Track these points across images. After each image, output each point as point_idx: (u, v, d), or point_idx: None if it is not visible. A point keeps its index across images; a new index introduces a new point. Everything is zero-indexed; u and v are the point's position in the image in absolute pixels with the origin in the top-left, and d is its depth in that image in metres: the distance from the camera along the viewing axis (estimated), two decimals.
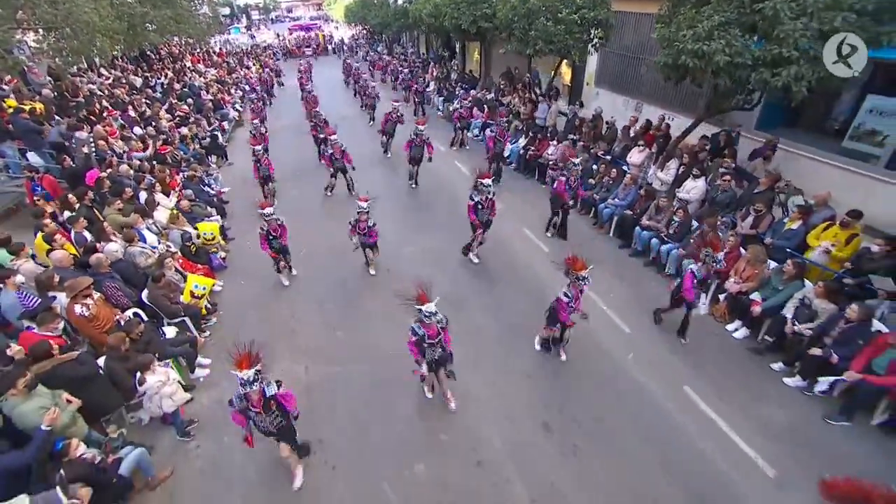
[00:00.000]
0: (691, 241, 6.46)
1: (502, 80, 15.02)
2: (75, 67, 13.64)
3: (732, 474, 4.24)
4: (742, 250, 6.18)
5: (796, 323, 5.25)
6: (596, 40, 10.50)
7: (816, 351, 4.79)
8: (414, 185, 10.36)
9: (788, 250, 6.04)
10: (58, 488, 3.20)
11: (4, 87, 10.19)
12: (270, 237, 6.45)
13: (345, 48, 34.40)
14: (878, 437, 4.54)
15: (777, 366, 5.38)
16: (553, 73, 12.42)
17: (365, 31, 37.32)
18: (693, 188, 7.12)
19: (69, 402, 3.86)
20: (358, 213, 6.43)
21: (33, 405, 3.58)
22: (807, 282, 5.51)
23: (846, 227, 5.52)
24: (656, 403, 4.99)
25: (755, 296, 5.74)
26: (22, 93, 10.53)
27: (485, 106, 13.52)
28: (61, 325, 4.50)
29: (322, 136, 10.78)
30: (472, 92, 15.12)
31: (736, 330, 5.97)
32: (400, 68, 20.51)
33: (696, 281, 5.22)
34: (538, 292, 6.55)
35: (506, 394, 5.09)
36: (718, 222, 6.70)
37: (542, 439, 4.58)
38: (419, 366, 4.53)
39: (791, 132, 9.15)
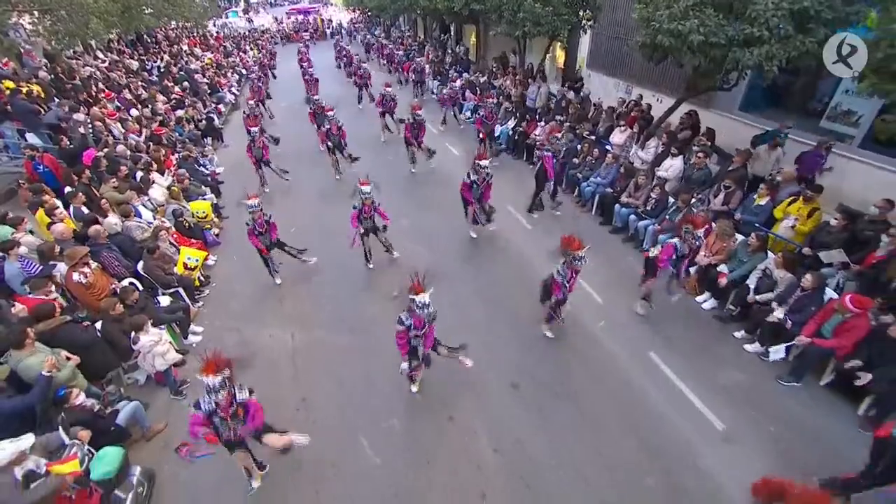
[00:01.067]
0: (667, 217, 6.68)
1: (495, 63, 15.08)
2: (71, 51, 13.81)
3: (684, 428, 4.56)
4: (713, 225, 6.42)
5: (757, 292, 5.52)
6: (584, 22, 10.57)
7: (774, 317, 5.06)
8: (414, 171, 10.37)
9: (757, 225, 6.28)
10: (60, 429, 3.54)
11: (2, 67, 10.37)
12: (257, 232, 6.13)
13: (343, 32, 34.18)
14: (824, 396, 4.85)
15: (739, 334, 5.67)
16: (543, 55, 12.49)
17: (363, 16, 37.00)
18: (670, 166, 7.34)
19: (68, 358, 4.19)
20: (362, 198, 6.26)
21: (36, 360, 3.90)
22: (770, 253, 5.77)
23: (809, 201, 5.74)
24: (622, 367, 5.30)
25: (722, 268, 6.01)
26: (19, 75, 10.72)
27: (477, 88, 13.64)
28: (53, 289, 4.79)
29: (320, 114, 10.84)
30: (466, 75, 15.21)
31: (705, 301, 6.26)
32: (395, 52, 20.49)
33: (675, 255, 5.40)
34: (517, 266, 6.85)
35: (480, 358, 5.37)
36: (693, 199, 6.94)
37: (510, 399, 4.91)
38: (406, 364, 4.51)
39: (775, 114, 9.30)
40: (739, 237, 6.10)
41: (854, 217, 5.50)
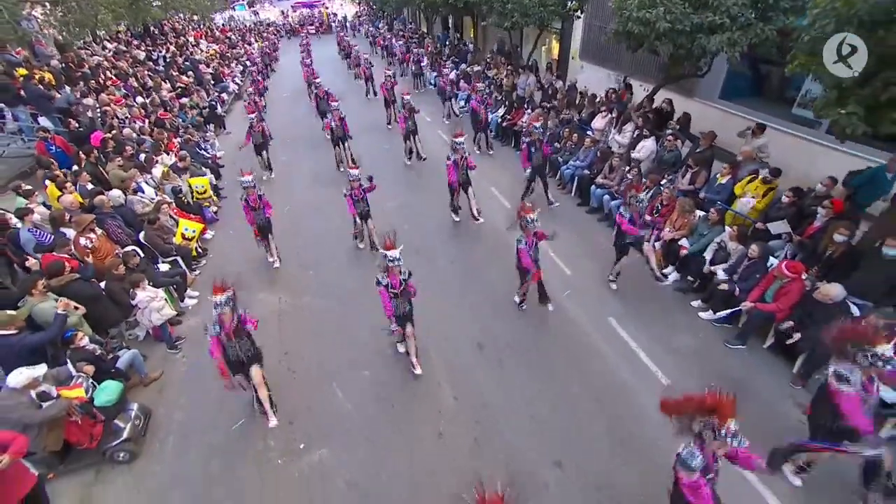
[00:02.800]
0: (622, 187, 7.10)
1: (489, 54, 15.42)
2: (81, 41, 14.38)
3: (632, 381, 4.98)
4: (677, 203, 6.79)
5: (713, 264, 5.91)
6: (572, 12, 10.90)
7: (717, 279, 5.46)
8: (409, 162, 10.62)
9: (719, 203, 6.64)
10: (68, 363, 4.04)
11: (16, 55, 10.93)
12: (251, 207, 6.48)
13: (347, 26, 34.58)
14: (765, 357, 5.24)
15: (696, 303, 6.05)
16: (532, 45, 12.83)
17: (368, 9, 37.37)
18: (643, 147, 7.70)
19: (76, 308, 4.70)
20: (350, 181, 6.59)
21: (49, 305, 4.42)
22: (727, 227, 6.14)
23: (767, 182, 6.10)
24: (581, 331, 5.72)
25: (683, 241, 6.39)
26: (31, 63, 11.28)
27: (471, 78, 13.99)
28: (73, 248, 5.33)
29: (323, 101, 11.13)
30: (462, 66, 15.57)
31: (669, 274, 6.64)
32: (395, 43, 20.87)
33: (626, 219, 5.77)
34: (495, 242, 7.29)
35: (451, 322, 5.85)
36: (664, 180, 7.31)
37: (474, 355, 5.36)
38: (391, 323, 4.77)
39: (754, 102, 9.61)
40: (700, 213, 6.46)
41: (802, 194, 5.85)
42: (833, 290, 4.62)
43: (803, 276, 5.01)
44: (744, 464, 2.93)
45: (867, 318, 3.73)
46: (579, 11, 10.96)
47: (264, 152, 9.93)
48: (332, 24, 36.40)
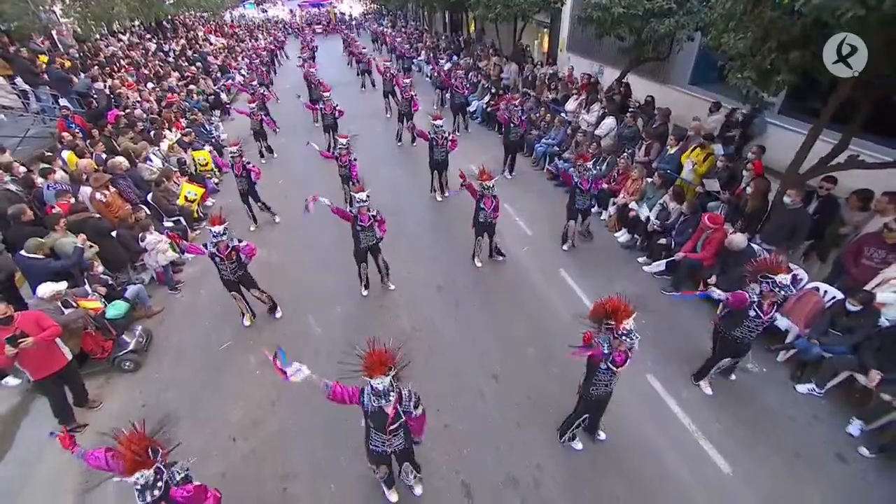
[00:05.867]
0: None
1: (480, 47, 16.15)
2: (98, 35, 15.39)
3: (567, 318, 5.65)
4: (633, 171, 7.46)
5: (653, 221, 6.58)
6: (552, 4, 11.58)
7: (651, 227, 6.14)
8: (400, 143, 11.35)
9: (668, 171, 7.29)
10: (86, 283, 4.85)
11: (40, 44, 11.90)
12: (235, 174, 7.21)
13: (353, 23, 35.52)
14: (696, 303, 5.87)
15: (642, 259, 6.73)
16: (515, 38, 13.54)
17: (374, 7, 38.33)
18: (604, 124, 8.37)
19: (91, 246, 5.51)
20: (339, 148, 7.40)
21: (69, 240, 5.24)
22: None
23: (703, 148, 6.75)
24: (533, 280, 6.42)
25: (633, 205, 7.06)
26: (53, 52, 12.26)
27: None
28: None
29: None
30: (455, 58, 16.32)
31: (621, 236, 7.31)
32: (397, 39, 21.68)
33: (575, 182, 6.41)
34: (467, 210, 7.96)
35: (415, 269, 6.60)
36: (625, 154, 7.99)
37: (433, 295, 6.11)
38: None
39: (719, 86, 10.21)
40: (648, 179, 7.12)
41: (735, 159, 6.49)
42: (737, 239, 5.29)
43: (725, 227, 5.68)
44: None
45: (774, 255, 4.19)
46: (560, 3, 11.60)
47: (262, 140, 10.48)
48: (340, 24, 37.42)
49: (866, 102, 4.72)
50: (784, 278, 3.69)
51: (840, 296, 4.64)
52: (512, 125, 8.60)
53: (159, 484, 2.49)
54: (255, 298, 5.68)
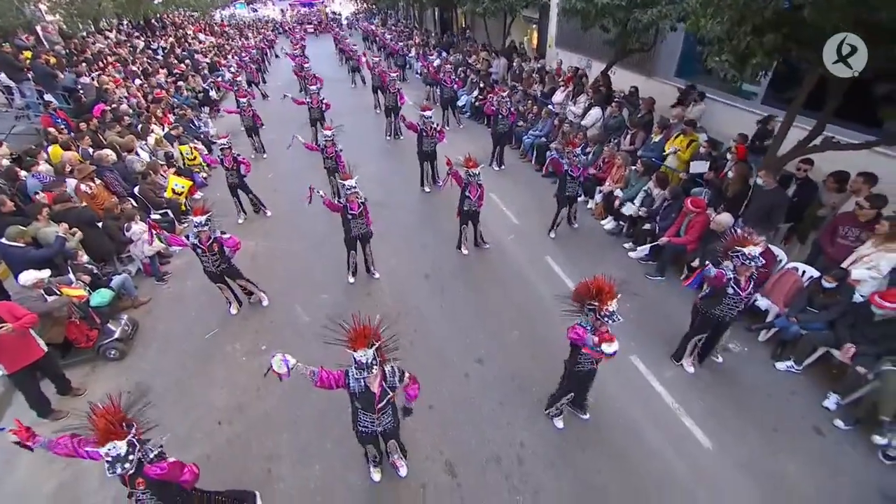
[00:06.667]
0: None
1: (469, 43, 16.22)
2: (85, 32, 15.27)
3: (552, 302, 5.68)
4: (618, 159, 7.53)
5: (637, 207, 6.66)
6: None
7: (631, 211, 6.23)
8: (389, 138, 11.32)
9: (653, 159, 7.37)
10: (70, 271, 4.83)
11: (25, 41, 11.79)
12: (226, 168, 7.13)
13: (343, 23, 35.48)
14: (678, 286, 5.95)
15: (627, 245, 6.80)
16: (504, 32, 13.61)
17: (365, 6, 38.31)
18: (590, 115, 8.45)
19: (73, 234, 5.49)
20: (325, 140, 7.36)
21: (51, 229, 5.22)
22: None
23: (686, 134, 6.84)
24: (518, 266, 6.48)
25: (617, 192, 7.13)
26: (38, 48, 12.14)
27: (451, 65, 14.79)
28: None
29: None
30: (444, 54, 16.37)
31: (606, 223, 7.38)
32: (387, 36, 21.69)
33: (566, 169, 6.45)
34: (451, 199, 8.01)
35: (403, 258, 6.64)
36: (611, 143, 8.06)
37: (420, 282, 6.15)
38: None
39: (706, 78, 10.32)
40: (632, 167, 7.20)
41: (717, 144, 6.59)
42: (723, 219, 5.36)
43: (708, 212, 5.76)
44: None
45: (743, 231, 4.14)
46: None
47: (255, 136, 10.40)
48: (332, 23, 37.34)
49: (838, 88, 4.81)
50: (753, 250, 3.76)
51: (817, 274, 4.74)
52: (500, 116, 8.66)
53: (131, 458, 2.50)
54: (240, 288, 5.68)
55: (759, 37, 4.44)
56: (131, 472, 2.54)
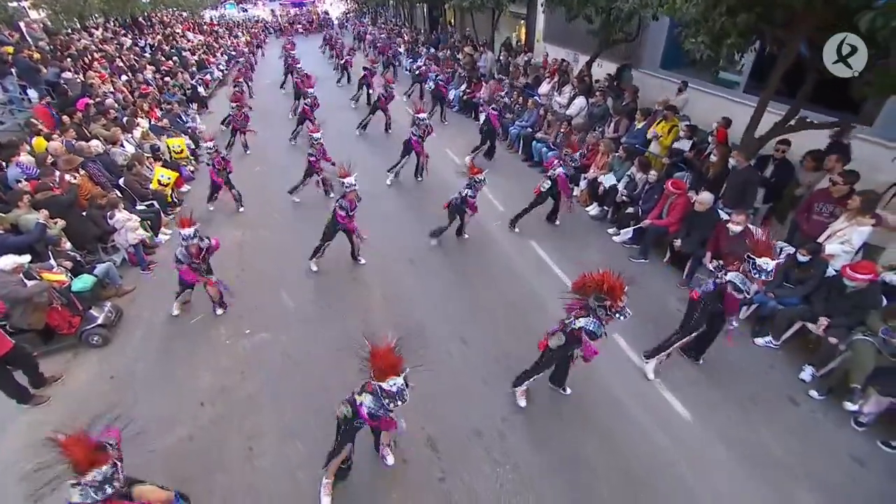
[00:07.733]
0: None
1: (458, 38, 16.31)
2: (70, 30, 15.15)
3: (537, 286, 5.77)
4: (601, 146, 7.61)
5: (621, 191, 6.74)
6: None
7: (620, 198, 6.30)
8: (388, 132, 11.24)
9: (637, 146, 7.46)
10: (51, 257, 4.81)
11: (9, 37, 11.68)
12: (215, 168, 7.20)
13: (333, 23, 35.41)
14: (663, 268, 6.09)
15: (612, 230, 6.87)
16: (491, 27, 13.71)
17: (355, 6, 38.31)
18: (575, 104, 8.54)
19: (55, 222, 5.46)
20: (313, 142, 7.41)
21: (32, 216, 5.19)
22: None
23: (667, 119, 6.94)
24: (504, 251, 6.54)
25: (601, 178, 7.21)
26: (21, 44, 12.03)
27: (440, 61, 14.85)
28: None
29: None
30: (432, 51, 16.43)
31: (591, 209, 7.45)
32: (378, 36, 21.71)
33: (566, 176, 6.47)
34: (441, 189, 8.08)
35: (389, 244, 6.67)
36: (595, 131, 8.15)
37: (404, 268, 6.19)
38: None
39: (688, 69, 10.46)
40: (615, 154, 7.28)
41: (696, 129, 6.71)
42: (705, 197, 5.45)
43: (689, 194, 5.85)
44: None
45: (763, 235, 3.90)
46: None
47: (241, 135, 10.25)
48: (322, 23, 37.23)
49: (812, 74, 4.93)
50: (766, 262, 3.52)
51: (793, 250, 4.82)
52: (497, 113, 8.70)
53: (118, 476, 2.36)
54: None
55: (733, 17, 4.54)
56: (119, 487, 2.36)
